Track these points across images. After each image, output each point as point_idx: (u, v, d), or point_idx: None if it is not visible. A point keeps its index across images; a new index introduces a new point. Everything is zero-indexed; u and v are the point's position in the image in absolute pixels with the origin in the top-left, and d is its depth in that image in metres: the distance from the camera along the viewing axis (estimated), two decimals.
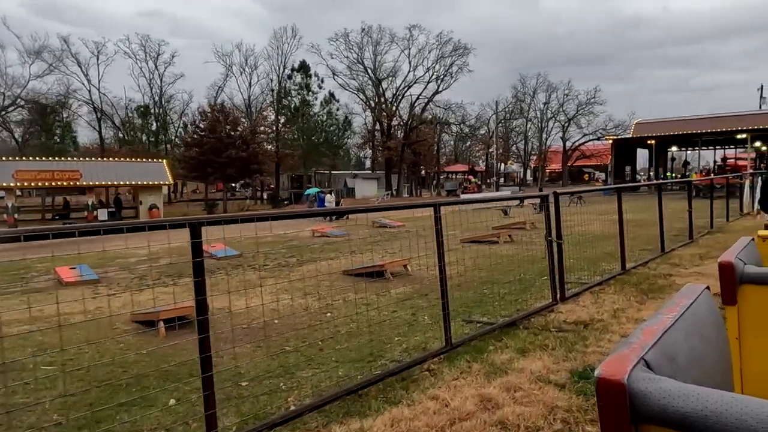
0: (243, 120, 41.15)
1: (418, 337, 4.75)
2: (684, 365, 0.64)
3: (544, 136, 69.34)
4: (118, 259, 12.98)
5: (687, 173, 42.91)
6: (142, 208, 27.61)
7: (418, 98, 47.73)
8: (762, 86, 42.63)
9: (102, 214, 26.88)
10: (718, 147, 46.03)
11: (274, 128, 38.83)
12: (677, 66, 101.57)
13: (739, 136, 33.54)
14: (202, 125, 30.88)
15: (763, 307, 1.18)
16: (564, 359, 3.62)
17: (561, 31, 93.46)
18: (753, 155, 40.15)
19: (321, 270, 9.21)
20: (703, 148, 46.53)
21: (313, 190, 31.31)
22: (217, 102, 33.88)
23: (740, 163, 39.87)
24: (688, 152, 45.58)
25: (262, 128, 40.27)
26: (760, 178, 15.28)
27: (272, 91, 40.16)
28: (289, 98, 38.11)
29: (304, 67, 38.84)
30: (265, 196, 37.75)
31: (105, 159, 30.31)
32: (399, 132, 49.15)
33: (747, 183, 14.40)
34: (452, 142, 68.86)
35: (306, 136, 37.43)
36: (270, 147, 39.33)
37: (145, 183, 27.65)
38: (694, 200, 17.14)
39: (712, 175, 31.74)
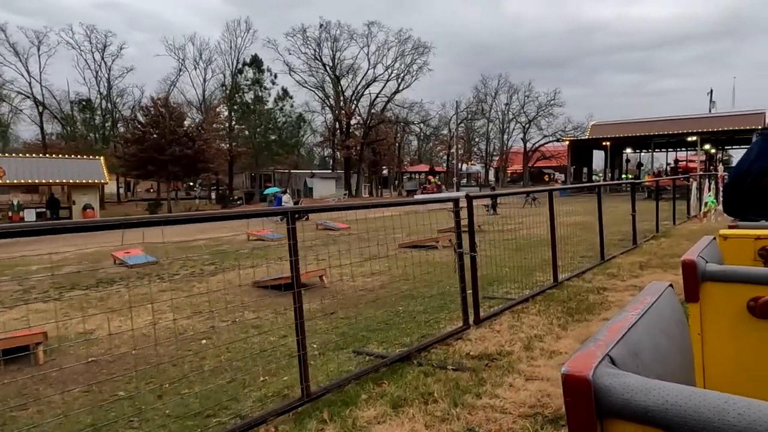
0: (195, 116, 39.47)
1: (287, 378, 3.81)
2: (648, 361, 0.66)
3: (506, 137, 69.91)
4: (17, 267, 11.57)
5: (640, 175, 43.63)
6: (76, 208, 25.71)
7: (377, 96, 46.92)
8: (711, 90, 43.77)
9: (29, 214, 24.84)
10: (671, 149, 47.06)
11: (227, 125, 37.22)
12: (633, 71, 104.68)
13: (689, 139, 34.11)
14: (143, 120, 29.03)
15: (723, 304, 1.19)
16: (443, 419, 2.75)
17: (523, 35, 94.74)
18: (703, 157, 41.14)
19: (232, 281, 8.17)
20: (657, 150, 47.53)
21: (272, 190, 30.01)
22: (169, 97, 32.01)
23: (691, 165, 40.75)
24: (643, 154, 46.36)
25: (214, 125, 38.56)
26: (707, 180, 15.09)
27: (223, 86, 38.50)
28: (240, 94, 36.49)
29: (256, 62, 37.29)
30: (213, 195, 36.14)
31: (31, 155, 28.09)
32: (358, 131, 48.20)
33: (694, 185, 14.10)
34: (416, 143, 68.48)
35: (258, 134, 35.88)
36: (223, 145, 37.69)
37: (78, 182, 25.74)
38: (645, 202, 16.88)
39: (664, 176, 32.11)
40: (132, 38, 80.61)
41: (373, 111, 48.61)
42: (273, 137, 36.45)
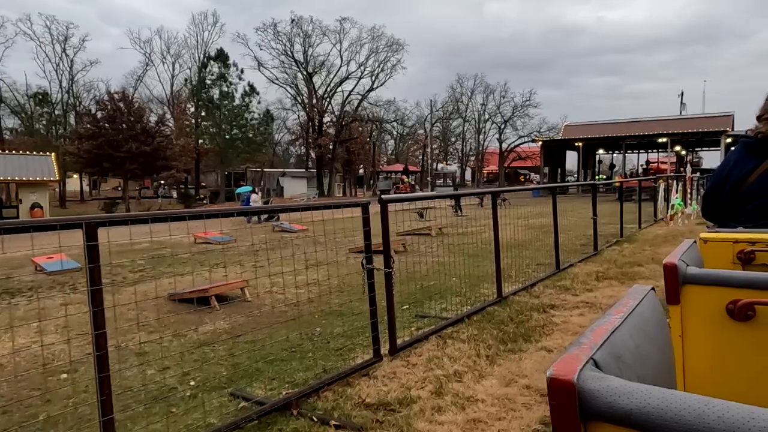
0: (162, 112, 37.86)
1: None
2: (630, 363, 0.66)
3: (482, 137, 69.79)
4: None
5: (612, 176, 43.71)
6: (23, 207, 24.20)
7: (350, 94, 45.98)
8: (682, 93, 44.17)
9: None
10: (643, 151, 47.33)
11: (192, 122, 35.83)
12: (609, 74, 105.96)
13: (660, 140, 34.12)
14: (99, 115, 27.52)
15: (703, 306, 1.21)
16: None
17: (503, 36, 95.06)
18: (674, 159, 41.40)
19: (148, 292, 7.24)
20: (629, 151, 47.77)
21: (244, 189, 28.83)
22: (128, 92, 30.46)
23: (662, 166, 40.98)
24: (615, 155, 46.48)
25: (180, 121, 37.15)
26: (675, 181, 14.67)
27: (186, 80, 37.08)
28: (205, 90, 35.04)
29: (221, 56, 35.91)
30: (175, 194, 34.68)
31: None
32: (332, 129, 47.22)
33: (662, 187, 13.63)
34: (392, 142, 67.87)
35: (223, 131, 34.52)
36: (189, 141, 36.27)
37: (26, 179, 24.23)
38: (616, 203, 16.42)
39: (628, 177, 32.01)
40: (107, 32, 78.10)
41: (346, 109, 47.70)
42: (239, 134, 35.15)
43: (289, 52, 43.57)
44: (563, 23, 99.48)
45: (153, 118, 35.22)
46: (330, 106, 47.76)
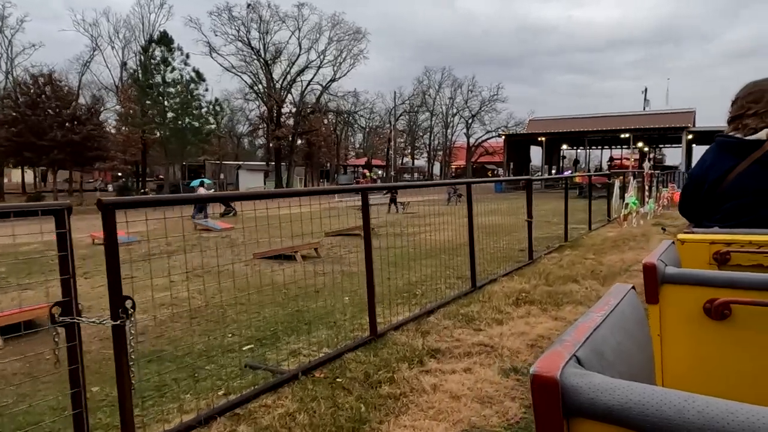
0: (110, 100, 35.20)
1: None
2: (611, 360, 0.67)
3: (449, 131, 68.86)
4: None
5: (576, 171, 43.09)
6: None
7: (309, 84, 44.03)
8: (646, 89, 44.00)
9: None
10: (606, 147, 46.97)
11: (139, 109, 33.24)
12: (579, 72, 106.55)
13: (622, 136, 33.46)
14: (21, 99, 24.93)
15: (681, 306, 1.23)
16: None
17: (474, 32, 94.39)
18: (637, 156, 41.03)
19: None
20: (593, 147, 47.34)
21: (196, 182, 26.66)
22: (55, 75, 27.73)
23: (625, 162, 40.52)
24: (579, 151, 45.92)
25: (126, 109, 34.56)
26: (632, 178, 13.53)
27: (125, 64, 34.38)
28: (148, 75, 32.35)
29: (165, 40, 33.25)
30: (110, 187, 32.17)
31: None
32: (291, 120, 45.22)
33: (617, 184, 12.41)
34: (361, 136, 66.24)
35: (167, 120, 32.06)
36: (134, 131, 33.69)
37: None
38: (573, 201, 15.27)
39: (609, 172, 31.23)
40: (58, 14, 73.48)
41: (306, 100, 45.75)
42: (184, 124, 32.77)
43: (245, 39, 41.37)
44: (534, 21, 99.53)
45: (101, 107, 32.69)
46: (291, 97, 45.78)
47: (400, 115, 59.06)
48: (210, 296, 6.05)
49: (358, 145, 70.26)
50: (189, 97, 33.09)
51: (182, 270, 7.31)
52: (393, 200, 19.65)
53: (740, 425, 0.47)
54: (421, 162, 71.72)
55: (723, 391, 1.10)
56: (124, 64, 33.55)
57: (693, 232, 1.72)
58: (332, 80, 46.66)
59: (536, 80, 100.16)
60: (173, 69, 33.23)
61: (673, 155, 55.66)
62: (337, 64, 45.95)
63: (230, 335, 4.51)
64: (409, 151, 67.60)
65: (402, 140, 66.53)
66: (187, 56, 33.60)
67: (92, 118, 26.36)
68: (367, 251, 3.97)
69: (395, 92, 54.36)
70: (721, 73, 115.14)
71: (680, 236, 1.64)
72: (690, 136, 31.85)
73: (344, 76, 47.04)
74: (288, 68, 43.45)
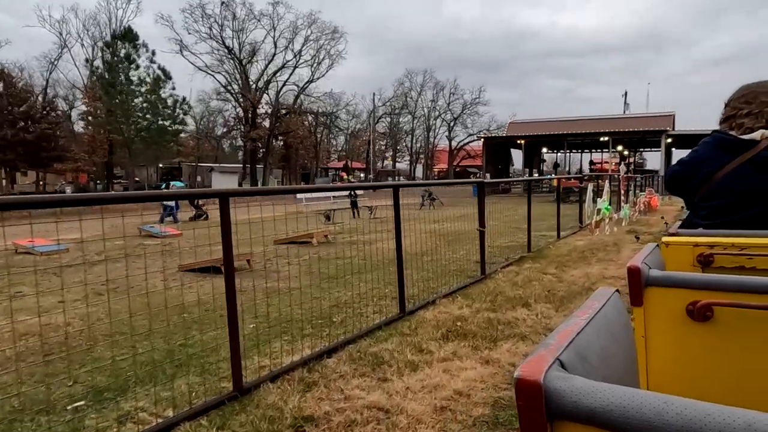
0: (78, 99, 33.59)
1: None
2: (595, 364, 0.67)
3: (432, 134, 68.27)
4: None
5: (556, 174, 42.62)
6: None
7: (285, 84, 42.89)
8: (626, 93, 43.76)
9: None
10: (586, 150, 46.63)
11: (104, 109, 31.73)
12: (563, 77, 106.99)
13: (602, 139, 32.93)
14: None
15: (665, 308, 1.24)
16: None
17: (460, 36, 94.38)
18: (617, 159, 40.68)
19: None
20: (573, 150, 46.96)
21: (176, 184, 25.28)
22: (8, 71, 26.07)
23: (605, 166, 40.12)
24: (560, 154, 45.45)
25: (91, 108, 33.04)
26: (607, 181, 12.75)
27: (87, 61, 32.72)
28: (113, 73, 30.78)
29: (128, 36, 31.68)
30: (67, 190, 30.60)
31: None
32: (267, 121, 44.04)
33: (590, 188, 11.59)
34: (343, 138, 65.27)
35: (132, 119, 30.53)
36: (100, 131, 32.18)
37: None
38: (550, 205, 14.47)
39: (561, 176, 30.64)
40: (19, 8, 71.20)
41: (284, 100, 44.61)
42: (148, 124, 31.28)
43: (218, 37, 40.11)
44: (519, 26, 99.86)
45: (61, 105, 31.20)
46: (268, 97, 44.55)
47: (380, 117, 58.17)
48: (93, 321, 5.02)
49: (340, 148, 69.26)
50: (154, 96, 31.65)
51: (92, 285, 6.30)
52: (354, 204, 18.68)
53: (717, 426, 0.48)
54: (403, 165, 70.99)
55: (706, 391, 1.17)
56: (89, 62, 31.87)
57: (677, 234, 1.73)
58: (310, 81, 45.62)
59: (521, 85, 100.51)
60: (138, 67, 31.83)
61: (654, 159, 55.61)
62: (315, 64, 44.93)
63: (70, 384, 3.48)
64: (391, 153, 66.78)
65: (383, 143, 65.68)
66: (153, 53, 32.22)
67: (47, 116, 24.89)
68: (229, 287, 2.97)
69: (374, 94, 53.40)
70: (700, 79, 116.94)
71: (664, 239, 1.66)
72: (669, 140, 31.44)
73: (323, 76, 46.04)
74: (264, 68, 42.27)
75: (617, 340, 0.79)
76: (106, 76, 31.41)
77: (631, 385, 0.61)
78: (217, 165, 43.72)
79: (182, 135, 52.30)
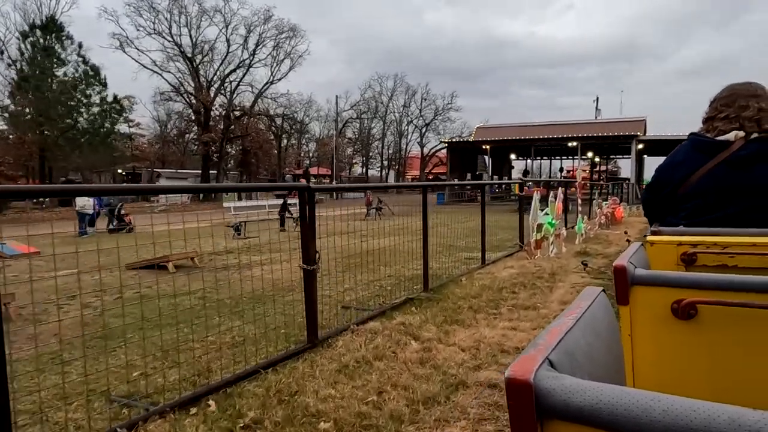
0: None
1: None
2: (583, 362, 0.68)
3: (404, 140, 66.35)
4: None
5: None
6: None
7: (238, 84, 40.25)
8: (597, 98, 42.30)
9: None
10: (556, 157, 44.99)
11: (26, 109, 28.60)
12: (541, 87, 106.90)
13: (570, 144, 31.04)
14: None
15: (650, 306, 1.25)
16: None
17: (440, 44, 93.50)
18: (588, 166, 38.95)
19: None
20: (543, 157, 45.23)
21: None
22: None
23: (575, 173, 38.35)
24: (529, 161, 43.64)
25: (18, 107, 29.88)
26: (559, 189, 10.54)
27: (2, 53, 29.58)
28: (33, 68, 27.55)
29: (51, 26, 28.43)
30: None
31: None
32: (222, 124, 41.30)
33: (536, 197, 9.25)
34: (312, 144, 62.80)
35: (53, 119, 27.38)
36: (25, 132, 29.02)
37: None
38: (512, 215, 12.20)
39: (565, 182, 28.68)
40: None
41: (240, 101, 41.95)
42: (73, 124, 28.21)
43: (167, 33, 37.35)
44: (497, 37, 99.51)
45: None
46: (224, 98, 41.81)
47: (347, 121, 55.85)
48: None
49: (311, 155, 66.73)
50: (78, 94, 28.66)
51: None
52: (287, 213, 16.18)
53: (702, 422, 0.49)
54: (374, 171, 68.77)
55: (691, 388, 1.20)
56: (3, 53, 28.69)
57: (660, 232, 1.73)
58: (270, 82, 43.07)
59: (498, 93, 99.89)
60: (64, 63, 28.80)
61: (627, 167, 54.21)
62: (275, 65, 42.42)
63: None
64: (361, 159, 64.49)
65: (351, 149, 63.39)
66: (80, 46, 29.17)
67: None
68: None
69: (336, 96, 51.06)
70: (673, 89, 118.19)
71: (649, 238, 1.65)
72: (641, 146, 29.71)
73: (284, 77, 43.54)
74: (218, 67, 39.61)
75: (604, 339, 0.80)
76: (25, 70, 28.24)
77: (619, 383, 0.61)
78: (164, 170, 40.67)
79: (141, 139, 49.37)
